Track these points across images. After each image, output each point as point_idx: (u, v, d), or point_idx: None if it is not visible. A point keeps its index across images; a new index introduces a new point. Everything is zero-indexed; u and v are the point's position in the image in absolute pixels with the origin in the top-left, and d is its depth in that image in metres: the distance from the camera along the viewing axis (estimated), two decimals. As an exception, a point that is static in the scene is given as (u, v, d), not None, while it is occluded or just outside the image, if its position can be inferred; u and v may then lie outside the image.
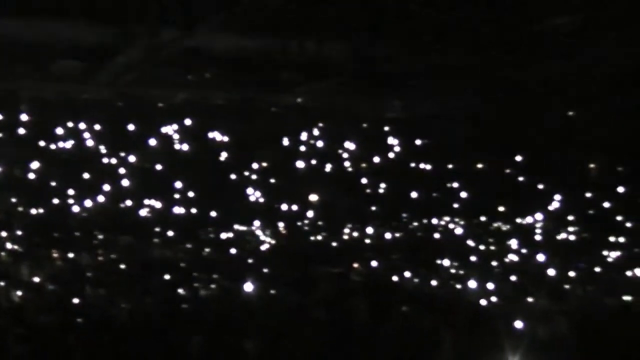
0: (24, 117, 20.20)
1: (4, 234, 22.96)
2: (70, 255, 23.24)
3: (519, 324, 15.66)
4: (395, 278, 21.82)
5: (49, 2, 14.51)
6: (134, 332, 15.01)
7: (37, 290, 20.05)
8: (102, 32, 15.61)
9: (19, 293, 19.82)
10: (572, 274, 21.46)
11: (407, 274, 21.66)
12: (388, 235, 26.70)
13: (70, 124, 21.02)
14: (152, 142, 21.62)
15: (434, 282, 21.12)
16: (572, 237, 25.94)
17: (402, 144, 25.10)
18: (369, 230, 25.87)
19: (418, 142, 25.47)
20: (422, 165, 25.66)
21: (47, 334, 14.60)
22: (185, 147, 22.35)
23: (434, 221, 27.62)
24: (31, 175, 21.16)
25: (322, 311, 16.40)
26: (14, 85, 18.88)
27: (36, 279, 21.33)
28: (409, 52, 17.25)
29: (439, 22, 15.27)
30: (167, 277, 21.45)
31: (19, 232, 22.89)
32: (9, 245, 23.08)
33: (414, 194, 25.77)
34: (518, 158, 25.63)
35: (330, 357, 13.86)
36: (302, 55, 17.00)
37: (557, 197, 26.17)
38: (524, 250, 24.13)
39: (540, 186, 26.27)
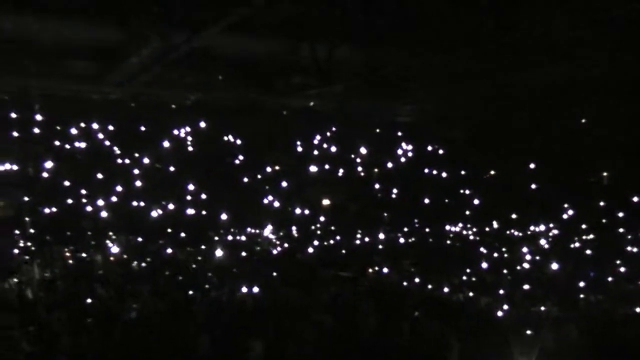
0: (38, 117, 20.25)
1: (17, 232, 23.16)
2: (82, 254, 23.37)
3: (529, 332, 15.58)
4: (405, 283, 21.78)
5: (62, 3, 14.57)
6: (143, 332, 15.01)
7: (48, 288, 20.15)
8: (114, 33, 15.66)
9: (31, 290, 19.97)
10: (582, 283, 21.24)
11: (418, 280, 21.59)
12: (399, 241, 26.77)
13: (83, 124, 21.09)
14: (165, 143, 21.65)
15: (445, 289, 20.95)
16: (584, 246, 25.83)
17: (414, 149, 25.08)
18: (381, 235, 25.90)
19: (430, 147, 25.45)
20: (434, 171, 25.64)
21: (58, 331, 14.65)
22: (197, 149, 22.41)
23: (446, 227, 27.68)
24: (45, 174, 21.17)
25: (331, 315, 16.33)
26: (28, 84, 18.92)
27: (48, 277, 21.49)
28: (419, 57, 17.20)
29: (448, 28, 15.25)
30: (177, 277, 21.55)
31: (32, 230, 23.07)
32: (21, 243, 23.28)
33: (426, 200, 25.79)
34: (531, 165, 25.49)
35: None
36: (313, 58, 16.98)
37: (570, 205, 26.06)
38: (536, 258, 24.00)
39: (553, 194, 26.19)
